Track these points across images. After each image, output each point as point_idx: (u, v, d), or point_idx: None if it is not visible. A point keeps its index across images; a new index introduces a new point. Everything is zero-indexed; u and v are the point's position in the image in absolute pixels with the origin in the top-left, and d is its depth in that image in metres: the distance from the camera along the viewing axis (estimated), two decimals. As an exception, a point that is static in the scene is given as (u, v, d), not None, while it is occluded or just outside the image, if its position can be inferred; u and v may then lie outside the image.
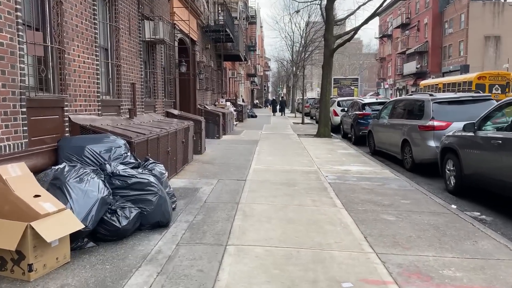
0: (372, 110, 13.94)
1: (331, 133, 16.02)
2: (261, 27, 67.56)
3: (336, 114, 18.22)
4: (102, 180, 4.29)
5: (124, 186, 4.52)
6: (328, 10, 15.55)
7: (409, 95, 11.39)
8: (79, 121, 5.69)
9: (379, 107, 14.07)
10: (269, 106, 50.35)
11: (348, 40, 15.08)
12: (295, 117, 32.45)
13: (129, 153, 5.18)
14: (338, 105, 18.94)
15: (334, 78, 40.32)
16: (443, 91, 25.98)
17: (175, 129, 7.74)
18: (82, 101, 6.02)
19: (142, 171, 5.07)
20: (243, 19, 28.86)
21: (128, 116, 7.65)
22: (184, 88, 13.35)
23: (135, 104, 8.05)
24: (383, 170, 8.79)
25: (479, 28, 39.79)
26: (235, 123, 20.27)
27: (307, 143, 13.54)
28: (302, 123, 24.36)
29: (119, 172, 4.57)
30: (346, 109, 16.33)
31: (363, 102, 14.45)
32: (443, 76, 38.57)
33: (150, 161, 5.39)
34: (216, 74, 19.23)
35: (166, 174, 5.47)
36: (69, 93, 5.60)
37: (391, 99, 11.36)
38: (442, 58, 45.60)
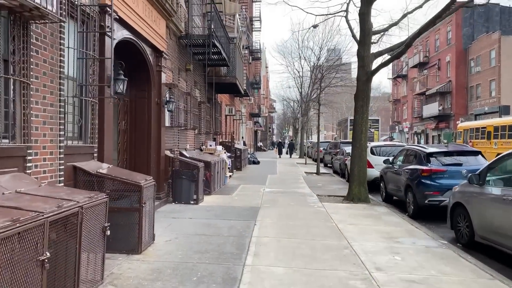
0: (444, 164, 8.57)
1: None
2: (266, 67, 63.75)
3: (370, 166, 12.81)
4: None
5: None
6: (364, 15, 10.61)
7: None
8: None
9: (454, 160, 8.79)
10: (275, 149, 47.23)
11: (397, 57, 10.00)
12: (306, 164, 26.98)
13: None
14: (372, 153, 13.59)
15: (349, 119, 35.16)
16: (495, 136, 20.65)
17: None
18: None
19: None
20: (245, 48, 24.12)
21: None
22: (138, 121, 8.21)
23: None
24: None
25: (513, 66, 35.08)
26: (229, 174, 14.96)
27: (340, 218, 8.11)
28: (317, 173, 18.96)
29: None
30: (390, 160, 10.98)
31: (426, 151, 9.03)
32: (476, 119, 33.45)
33: None
34: (205, 108, 14.18)
35: None
36: None
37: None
38: (469, 99, 40.65)
